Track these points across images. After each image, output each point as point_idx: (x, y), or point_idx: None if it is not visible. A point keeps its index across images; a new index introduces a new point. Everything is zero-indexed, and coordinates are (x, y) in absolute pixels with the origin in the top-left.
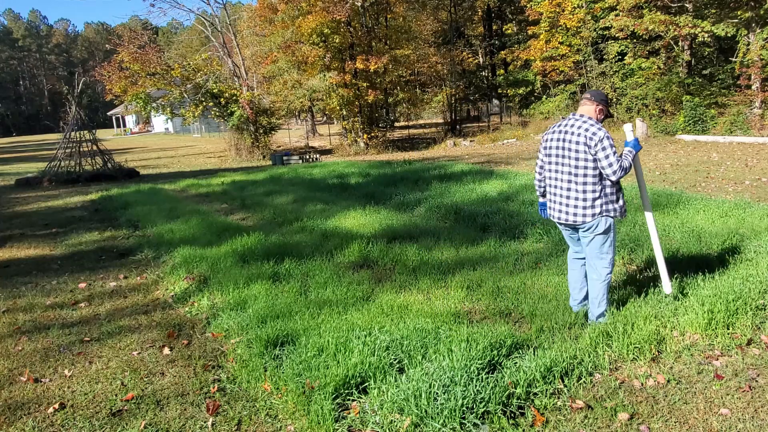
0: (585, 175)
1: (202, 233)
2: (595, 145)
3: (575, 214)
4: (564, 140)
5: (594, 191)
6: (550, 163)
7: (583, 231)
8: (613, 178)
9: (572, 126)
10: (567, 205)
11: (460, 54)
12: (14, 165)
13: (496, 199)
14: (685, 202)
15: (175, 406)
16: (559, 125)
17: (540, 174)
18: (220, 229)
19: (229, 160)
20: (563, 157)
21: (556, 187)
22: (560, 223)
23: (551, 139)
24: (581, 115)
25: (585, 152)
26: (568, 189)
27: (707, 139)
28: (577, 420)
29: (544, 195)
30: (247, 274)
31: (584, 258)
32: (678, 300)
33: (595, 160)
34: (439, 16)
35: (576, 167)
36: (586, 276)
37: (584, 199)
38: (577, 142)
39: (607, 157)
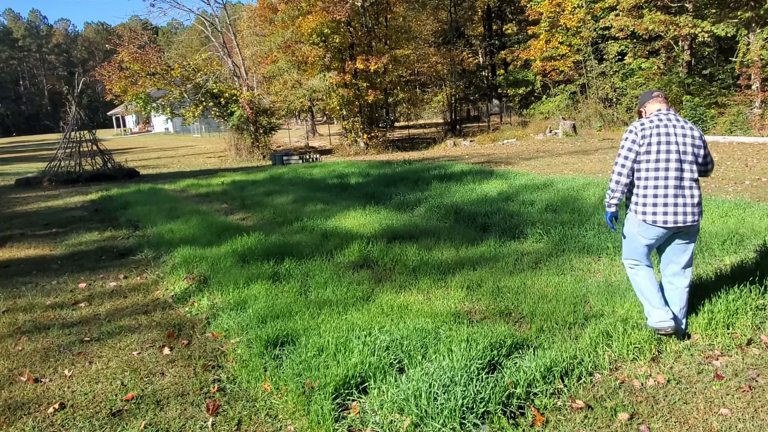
0: (698, 172)
1: (202, 233)
2: (704, 141)
3: (694, 214)
4: (685, 135)
5: (699, 188)
6: (677, 159)
7: (692, 233)
8: (711, 175)
9: (679, 120)
10: (693, 205)
11: (460, 54)
12: (14, 165)
13: (496, 199)
14: None
15: (175, 406)
16: (661, 118)
17: (628, 177)
18: (220, 229)
19: (229, 160)
20: (685, 153)
21: (676, 187)
22: (674, 227)
23: (672, 134)
24: (671, 111)
25: (700, 147)
26: (691, 187)
27: (707, 139)
28: (577, 420)
29: (617, 205)
30: (247, 274)
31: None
32: None
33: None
34: (439, 16)
35: (695, 163)
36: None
37: (700, 196)
38: (694, 137)
39: (709, 152)
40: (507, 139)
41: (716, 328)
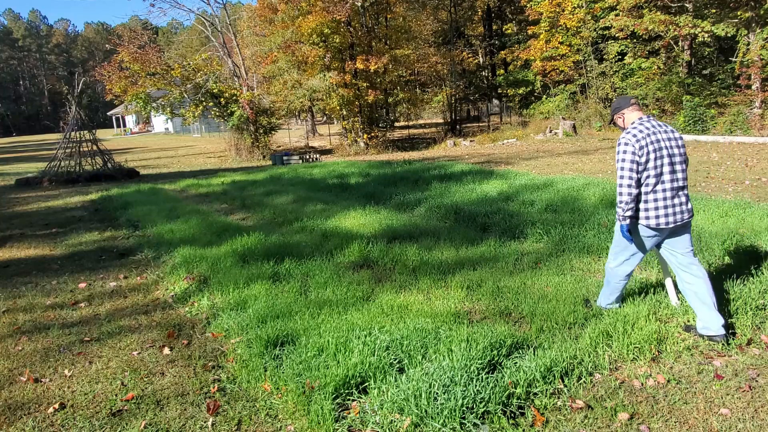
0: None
1: (202, 233)
2: (683, 140)
3: (689, 211)
4: (672, 138)
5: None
6: (670, 162)
7: (687, 225)
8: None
9: (661, 125)
10: (686, 203)
11: (460, 54)
12: (14, 165)
13: (496, 199)
14: None
15: (175, 406)
16: (647, 126)
17: (637, 188)
18: (220, 229)
19: (229, 160)
20: (679, 155)
21: (674, 189)
22: (673, 227)
23: (662, 140)
24: (651, 116)
25: (682, 147)
26: (683, 187)
27: (707, 139)
28: (577, 420)
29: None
30: (247, 274)
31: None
32: (679, 301)
33: None
34: (439, 16)
35: (683, 162)
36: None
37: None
38: (677, 138)
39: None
40: (507, 139)
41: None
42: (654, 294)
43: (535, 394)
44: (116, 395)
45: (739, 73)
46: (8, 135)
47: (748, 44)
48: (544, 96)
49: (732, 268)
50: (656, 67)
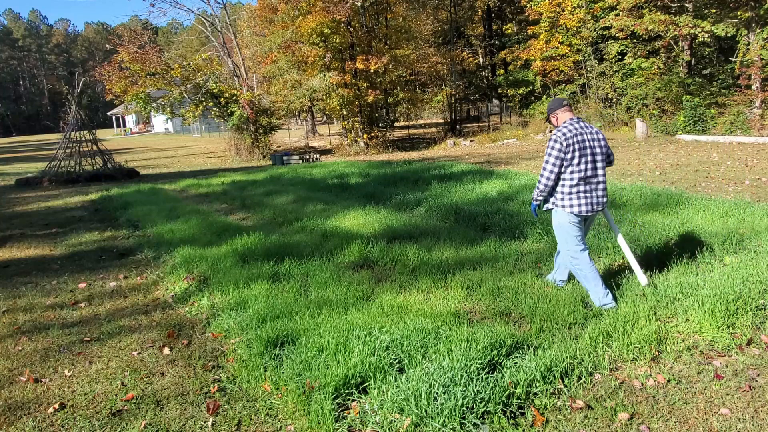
0: (606, 164)
1: (202, 233)
2: (606, 139)
3: (604, 197)
4: (596, 139)
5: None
6: (592, 160)
7: (598, 212)
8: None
9: (588, 126)
10: (605, 190)
11: (460, 54)
12: (14, 165)
13: (496, 199)
14: (685, 202)
15: (175, 406)
16: (576, 127)
17: (555, 181)
18: (220, 229)
19: (229, 160)
20: (600, 153)
21: (596, 179)
22: (594, 213)
23: (587, 140)
24: (579, 118)
25: (605, 146)
26: (604, 176)
27: (707, 139)
28: (577, 420)
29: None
30: (247, 274)
31: None
32: (655, 287)
33: None
34: (439, 16)
35: (603, 160)
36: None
37: (606, 184)
38: (600, 139)
39: (609, 147)
40: (507, 139)
41: (716, 327)
42: (655, 295)
43: (535, 394)
44: (116, 395)
45: (739, 73)
46: (8, 135)
47: (748, 44)
48: (544, 96)
49: (732, 268)
50: (656, 67)
